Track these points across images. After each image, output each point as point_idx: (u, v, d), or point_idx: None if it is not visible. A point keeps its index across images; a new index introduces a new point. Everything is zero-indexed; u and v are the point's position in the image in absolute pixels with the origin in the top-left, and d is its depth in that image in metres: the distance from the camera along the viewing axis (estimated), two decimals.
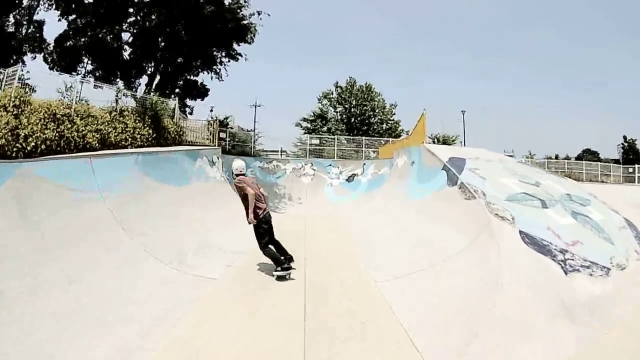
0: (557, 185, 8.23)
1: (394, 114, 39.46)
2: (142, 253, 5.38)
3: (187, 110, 23.34)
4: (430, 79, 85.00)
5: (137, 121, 11.82)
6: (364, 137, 22.33)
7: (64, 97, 11.05)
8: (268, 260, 5.52)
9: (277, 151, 21.00)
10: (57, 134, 8.80)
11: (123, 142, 10.90)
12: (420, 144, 10.71)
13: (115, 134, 10.82)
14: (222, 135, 19.61)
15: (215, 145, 14.23)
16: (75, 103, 10.72)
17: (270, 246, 5.46)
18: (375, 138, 24.14)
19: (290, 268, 5.45)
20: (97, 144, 9.76)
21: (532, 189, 7.43)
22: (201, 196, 9.23)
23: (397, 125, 38.57)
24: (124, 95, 12.51)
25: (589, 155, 47.74)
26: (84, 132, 9.66)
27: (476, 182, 7.31)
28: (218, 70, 21.16)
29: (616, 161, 41.24)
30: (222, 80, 22.00)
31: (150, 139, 11.73)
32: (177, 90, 23.86)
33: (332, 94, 39.12)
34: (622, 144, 45.56)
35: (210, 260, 5.74)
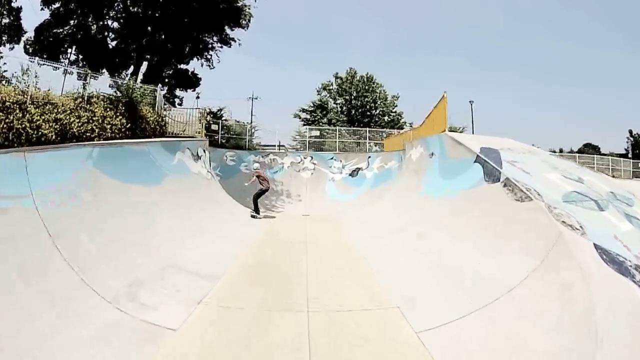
0: (599, 182, 6.73)
1: (396, 105, 37.71)
2: (76, 284, 3.79)
3: (177, 101, 21.70)
4: (432, 73, 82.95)
5: (107, 109, 10.20)
6: (367, 129, 20.68)
7: (21, 82, 9.41)
8: (249, 291, 3.98)
9: (275, 145, 19.32)
10: (4, 126, 7.22)
11: (88, 134, 9.27)
12: (441, 132, 9.10)
13: (79, 124, 9.20)
14: (215, 127, 17.96)
15: (201, 137, 12.53)
16: (35, 89, 9.09)
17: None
18: (379, 129, 22.49)
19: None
20: (54, 136, 8.13)
21: (579, 187, 5.91)
22: (179, 196, 7.63)
23: (400, 117, 36.82)
24: (93, 78, 10.81)
25: (590, 149, 46.13)
26: (38, 123, 8.03)
27: (523, 179, 5.74)
28: (209, 57, 19.40)
29: (621, 155, 39.73)
30: (213, 68, 20.33)
31: (123, 130, 10.08)
32: (167, 80, 22.17)
33: (331, 85, 37.30)
34: (628, 138, 44.06)
35: (172, 293, 4.12)
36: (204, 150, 10.99)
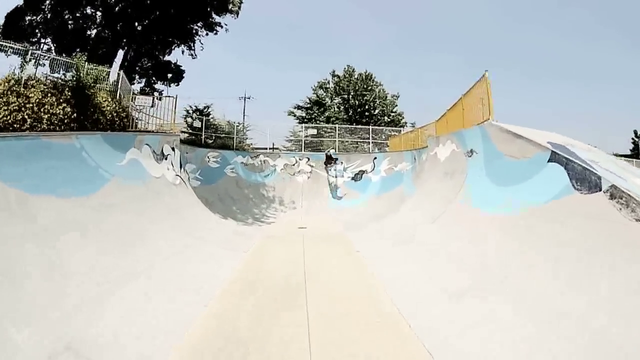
0: None
1: (397, 105, 35.72)
2: None
3: (156, 94, 19.31)
4: (431, 70, 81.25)
5: (48, 95, 7.95)
6: (370, 127, 18.56)
7: None
8: None
9: (269, 148, 16.99)
10: None
11: (17, 125, 7.03)
12: (482, 123, 6.96)
13: (7, 113, 7.00)
14: (198, 124, 15.71)
15: (172, 131, 10.18)
16: None
17: None
18: (383, 127, 20.41)
19: None
20: None
21: None
22: (123, 214, 5.36)
23: (401, 118, 34.86)
24: (32, 58, 8.53)
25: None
26: None
27: (631, 187, 3.71)
28: (192, 45, 17.14)
29: (627, 156, 38.29)
30: (195, 57, 18.06)
31: (67, 122, 7.81)
32: (150, 72, 19.81)
33: (328, 83, 35.22)
34: (634, 139, 42.73)
35: None
36: (173, 148, 8.72)
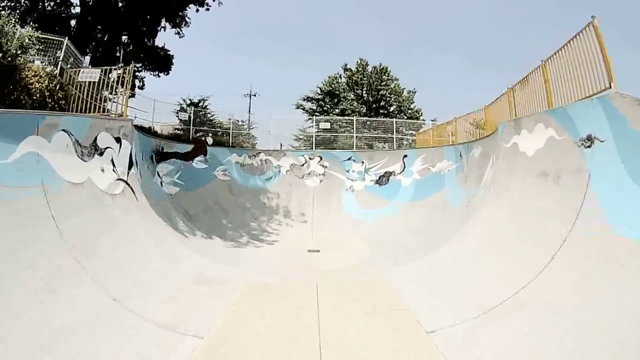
0: None
1: (413, 102, 32.47)
2: None
3: (138, 84, 16.72)
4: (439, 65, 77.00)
5: None
6: (394, 119, 15.50)
7: None
8: None
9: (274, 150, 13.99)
10: None
11: None
12: (598, 94, 4.06)
13: None
14: (184, 116, 12.97)
15: (113, 114, 7.10)
16: None
17: None
18: (410, 120, 17.35)
19: None
20: None
21: None
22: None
23: (419, 115, 31.63)
24: None
25: None
26: None
27: None
28: (179, 21, 14.51)
29: None
30: (183, 36, 15.43)
31: None
32: (136, 57, 17.23)
33: (340, 77, 32.30)
34: None
35: None
36: (119, 139, 5.82)
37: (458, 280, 4.26)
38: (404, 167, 10.94)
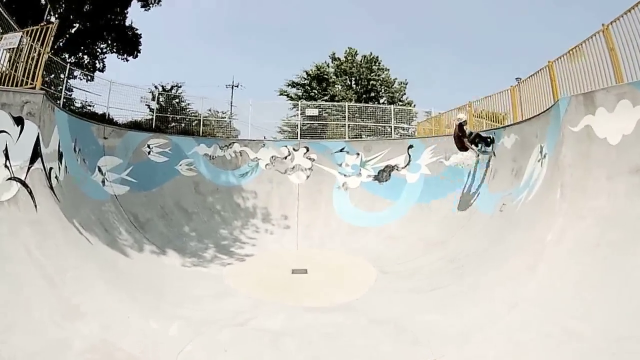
0: None
1: (405, 93, 30.67)
2: None
3: (98, 65, 14.21)
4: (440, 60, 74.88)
5: None
6: (392, 106, 13.62)
7: None
8: None
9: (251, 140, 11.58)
10: None
11: None
12: None
13: None
14: (153, 105, 10.69)
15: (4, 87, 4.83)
16: None
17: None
18: (406, 107, 15.51)
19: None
20: None
21: None
22: None
23: (410, 108, 29.90)
24: None
25: None
26: None
27: None
28: None
29: None
30: (149, 9, 13.06)
31: None
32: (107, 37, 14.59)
33: (327, 66, 30.14)
34: None
35: None
36: (20, 119, 3.65)
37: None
38: (409, 159, 9.03)
